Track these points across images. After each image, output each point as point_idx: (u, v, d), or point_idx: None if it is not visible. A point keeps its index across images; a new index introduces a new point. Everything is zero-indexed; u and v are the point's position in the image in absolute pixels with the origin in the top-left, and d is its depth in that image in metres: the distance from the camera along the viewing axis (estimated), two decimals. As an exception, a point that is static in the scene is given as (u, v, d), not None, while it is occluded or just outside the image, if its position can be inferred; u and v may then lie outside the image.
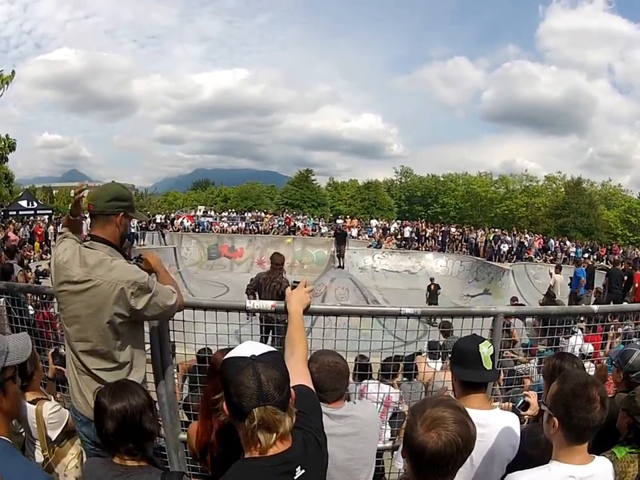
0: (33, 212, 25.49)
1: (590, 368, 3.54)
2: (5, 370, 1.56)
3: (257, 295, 7.84)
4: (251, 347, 1.44)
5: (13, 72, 11.65)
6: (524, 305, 11.50)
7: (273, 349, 1.47)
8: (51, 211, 29.12)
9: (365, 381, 3.96)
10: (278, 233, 30.30)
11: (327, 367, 2.23)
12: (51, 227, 21.70)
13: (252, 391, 1.33)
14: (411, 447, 1.52)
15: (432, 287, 19.21)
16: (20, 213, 24.70)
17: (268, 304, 2.74)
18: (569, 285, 15.98)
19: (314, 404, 1.72)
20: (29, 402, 2.66)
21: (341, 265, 19.94)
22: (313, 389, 1.81)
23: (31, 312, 3.65)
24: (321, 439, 1.59)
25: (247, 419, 1.35)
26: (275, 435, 1.37)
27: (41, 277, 11.74)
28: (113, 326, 2.27)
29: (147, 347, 2.63)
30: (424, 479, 1.55)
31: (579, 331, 4.91)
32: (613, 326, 4.20)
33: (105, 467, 1.84)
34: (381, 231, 30.90)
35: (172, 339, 2.84)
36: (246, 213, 35.46)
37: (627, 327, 4.59)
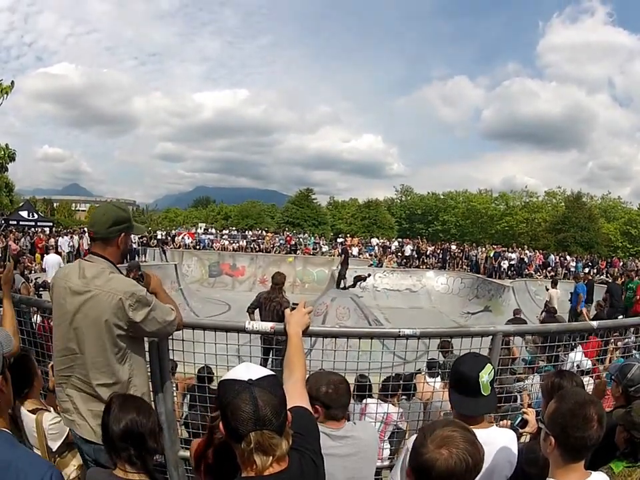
0: (33, 223, 25.62)
1: (589, 383, 3.54)
2: (4, 359, 1.61)
3: (258, 314, 7.85)
4: (248, 370, 1.44)
5: (12, 82, 11.74)
6: (525, 322, 11.47)
7: (270, 372, 1.47)
8: (51, 224, 29.23)
9: (365, 400, 3.96)
10: (279, 252, 30.33)
11: (340, 384, 2.29)
12: (52, 240, 21.65)
13: (248, 415, 1.34)
14: (419, 463, 1.49)
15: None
16: (21, 223, 24.84)
17: (267, 326, 2.75)
18: (569, 300, 15.91)
19: (311, 426, 1.73)
20: (28, 411, 2.67)
21: (345, 286, 19.60)
22: (311, 411, 1.82)
23: (39, 320, 3.68)
24: (318, 460, 1.59)
25: (243, 441, 1.36)
26: (271, 457, 1.38)
27: (41, 289, 11.70)
28: (111, 337, 2.28)
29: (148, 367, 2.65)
30: None
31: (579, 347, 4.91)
32: (612, 340, 4.21)
33: (106, 478, 1.86)
34: (381, 249, 30.92)
35: (172, 358, 2.86)
36: (247, 231, 35.54)
37: (626, 340, 4.60)
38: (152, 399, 2.66)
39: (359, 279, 19.13)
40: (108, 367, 2.32)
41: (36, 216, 27.13)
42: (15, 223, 24.67)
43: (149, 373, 2.67)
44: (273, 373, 1.48)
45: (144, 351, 2.55)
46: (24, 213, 26.12)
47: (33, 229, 24.40)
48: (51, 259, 16.44)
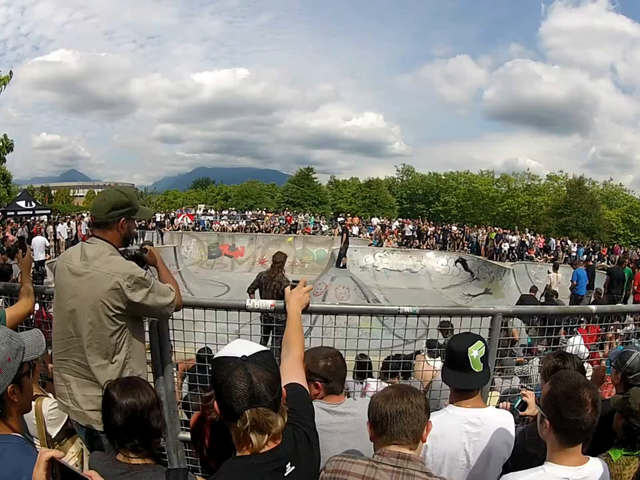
0: (31, 212, 25.48)
1: (587, 369, 3.54)
2: (21, 365, 1.58)
3: (258, 295, 7.87)
4: (242, 347, 1.43)
5: (11, 72, 11.56)
6: (537, 300, 11.42)
7: (263, 348, 1.46)
8: (49, 211, 29.12)
9: (367, 380, 3.97)
10: (279, 232, 30.33)
11: (336, 356, 2.32)
12: (50, 227, 21.67)
13: (243, 392, 1.33)
14: (371, 411, 1.76)
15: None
16: (18, 213, 24.69)
17: (267, 303, 2.74)
18: (570, 288, 15.86)
19: (306, 402, 1.73)
20: None
21: (344, 264, 19.42)
22: (306, 388, 1.82)
23: (36, 308, 3.69)
24: (312, 437, 1.60)
25: (238, 420, 1.35)
26: (267, 435, 1.37)
27: (38, 278, 11.70)
28: (108, 318, 2.29)
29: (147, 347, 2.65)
30: (378, 437, 1.72)
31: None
32: (612, 327, 4.19)
33: (108, 463, 1.85)
34: (379, 227, 30.98)
35: (172, 338, 2.85)
36: (247, 212, 35.48)
37: (626, 327, 4.57)
38: (149, 381, 2.67)
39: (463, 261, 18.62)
40: (104, 348, 2.32)
41: (33, 205, 26.96)
42: (13, 213, 24.51)
43: (148, 354, 2.67)
44: (266, 348, 1.47)
45: (143, 333, 2.55)
46: (21, 203, 25.89)
47: (31, 218, 24.30)
48: (38, 241, 17.21)
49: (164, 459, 2.70)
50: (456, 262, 18.57)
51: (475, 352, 2.20)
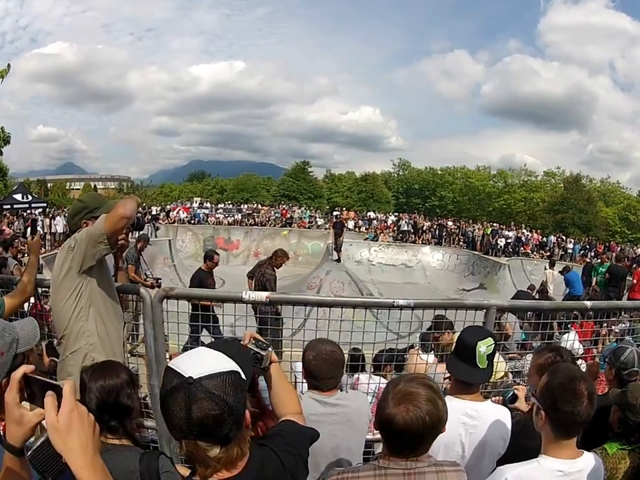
0: (27, 205, 25.36)
1: (581, 365, 3.55)
2: (15, 357, 1.57)
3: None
4: (198, 363, 1.18)
5: (9, 65, 11.46)
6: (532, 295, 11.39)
7: (230, 368, 1.18)
8: (45, 204, 28.99)
9: (357, 374, 3.98)
10: (274, 225, 30.30)
11: (324, 355, 2.24)
12: (46, 220, 21.66)
13: (179, 421, 1.12)
14: (380, 418, 1.57)
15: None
16: (14, 206, 24.53)
17: (262, 295, 2.74)
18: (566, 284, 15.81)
19: (297, 430, 1.54)
20: None
21: (339, 258, 19.46)
22: (306, 428, 1.61)
23: (32, 300, 3.70)
24: (289, 461, 1.37)
25: (179, 442, 1.19)
26: (209, 468, 1.18)
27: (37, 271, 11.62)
28: (67, 286, 2.45)
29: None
30: (393, 450, 1.60)
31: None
32: (606, 323, 4.21)
33: None
34: (373, 222, 31.05)
35: (166, 331, 2.85)
36: (242, 205, 35.45)
37: (621, 324, 4.59)
38: (145, 372, 2.68)
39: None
40: (62, 321, 2.47)
41: (30, 198, 26.81)
42: (9, 206, 24.36)
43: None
44: (233, 369, 1.18)
45: (106, 309, 2.59)
46: (18, 196, 25.68)
47: (28, 211, 24.20)
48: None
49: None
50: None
51: (483, 348, 2.19)
